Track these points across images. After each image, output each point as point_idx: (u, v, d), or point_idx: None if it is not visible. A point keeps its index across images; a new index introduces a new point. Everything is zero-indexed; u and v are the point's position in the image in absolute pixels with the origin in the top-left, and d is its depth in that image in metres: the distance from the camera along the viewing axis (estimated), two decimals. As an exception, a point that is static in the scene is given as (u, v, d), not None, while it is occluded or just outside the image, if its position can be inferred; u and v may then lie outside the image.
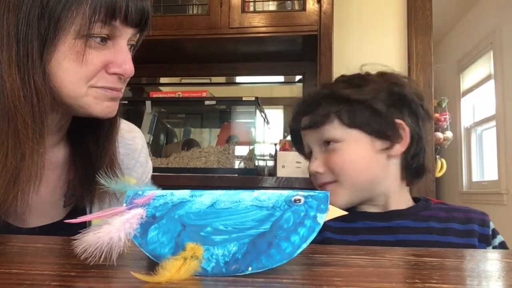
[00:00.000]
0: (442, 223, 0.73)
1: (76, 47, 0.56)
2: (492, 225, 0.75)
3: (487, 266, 0.45)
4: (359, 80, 0.77)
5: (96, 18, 0.55)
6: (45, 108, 0.57)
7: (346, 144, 0.74)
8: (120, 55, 0.60)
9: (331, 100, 0.75)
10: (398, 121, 0.74)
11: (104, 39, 0.58)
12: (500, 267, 0.44)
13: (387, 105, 0.73)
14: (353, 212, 0.77)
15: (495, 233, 0.74)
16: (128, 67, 0.60)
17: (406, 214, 0.74)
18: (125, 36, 0.60)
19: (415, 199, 0.79)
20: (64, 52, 0.56)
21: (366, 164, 0.73)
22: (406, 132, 0.74)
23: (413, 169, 0.77)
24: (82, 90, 0.59)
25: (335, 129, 0.74)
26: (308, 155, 0.82)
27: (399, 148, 0.74)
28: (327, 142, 0.75)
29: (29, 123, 0.55)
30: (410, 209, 0.76)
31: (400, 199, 0.76)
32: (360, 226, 0.73)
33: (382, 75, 0.78)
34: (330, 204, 0.73)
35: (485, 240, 0.72)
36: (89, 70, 0.58)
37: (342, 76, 0.80)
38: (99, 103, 0.61)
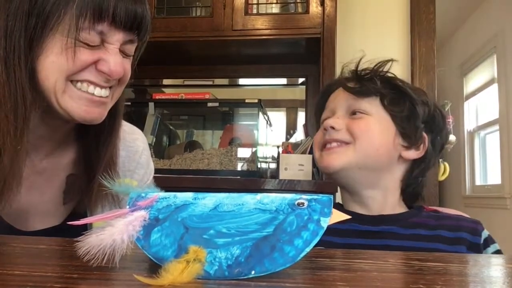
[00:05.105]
0: (431, 230, 0.73)
1: (67, 45, 0.56)
2: (485, 234, 0.74)
3: (491, 271, 0.44)
4: (412, 86, 0.81)
5: (83, 19, 0.55)
6: (27, 106, 0.57)
7: (374, 119, 0.75)
8: (109, 55, 0.59)
9: (387, 81, 0.77)
10: (425, 134, 0.77)
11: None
12: (504, 273, 0.44)
13: (424, 118, 0.77)
14: (343, 211, 0.77)
15: (488, 242, 0.73)
16: (115, 69, 0.59)
17: (395, 220, 0.74)
18: (117, 39, 0.60)
19: (409, 207, 0.80)
20: (54, 49, 0.56)
21: (383, 144, 0.75)
22: (424, 147, 0.77)
23: (410, 191, 0.79)
24: (62, 85, 0.58)
25: (374, 105, 0.76)
26: (322, 121, 0.83)
27: (412, 154, 0.76)
28: (354, 112, 0.77)
29: (11, 120, 0.56)
30: (399, 215, 0.76)
31: (395, 205, 0.78)
32: (347, 228, 0.73)
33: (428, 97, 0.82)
34: (329, 161, 0.74)
35: (475, 248, 0.72)
36: (76, 66, 0.58)
37: None
38: (76, 106, 0.60)
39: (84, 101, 0.60)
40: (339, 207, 0.81)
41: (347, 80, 0.80)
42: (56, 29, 0.56)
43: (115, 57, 0.60)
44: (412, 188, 0.79)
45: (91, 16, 0.56)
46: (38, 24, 0.55)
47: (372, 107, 0.76)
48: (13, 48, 0.55)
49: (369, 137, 0.74)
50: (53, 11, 0.55)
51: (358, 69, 0.79)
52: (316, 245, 0.37)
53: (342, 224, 0.72)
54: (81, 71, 0.59)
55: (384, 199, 0.77)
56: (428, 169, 0.80)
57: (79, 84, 0.60)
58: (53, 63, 0.57)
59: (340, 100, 0.79)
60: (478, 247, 0.72)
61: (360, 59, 0.80)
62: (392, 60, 0.80)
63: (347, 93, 0.78)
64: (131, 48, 0.63)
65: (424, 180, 0.80)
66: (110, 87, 0.63)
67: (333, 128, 0.76)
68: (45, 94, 0.59)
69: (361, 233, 0.73)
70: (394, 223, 0.74)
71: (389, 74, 0.79)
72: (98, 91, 0.61)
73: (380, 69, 0.79)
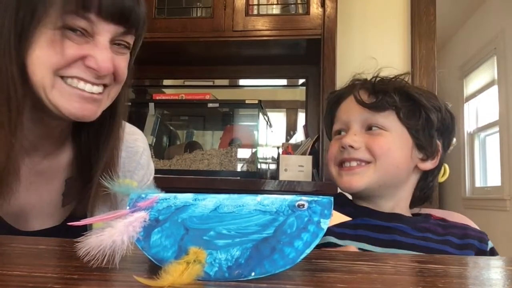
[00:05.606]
0: (440, 236, 0.74)
1: (54, 38, 0.56)
2: (490, 244, 0.75)
3: (491, 274, 0.44)
4: (425, 91, 0.80)
5: (68, 9, 0.55)
6: (20, 99, 0.57)
7: (391, 134, 0.75)
8: (97, 50, 0.59)
9: (401, 94, 0.76)
10: (438, 142, 0.78)
11: (83, 32, 0.58)
12: (504, 275, 0.44)
13: (438, 125, 0.77)
14: (356, 207, 0.78)
15: (493, 253, 0.74)
16: (103, 65, 0.59)
17: (406, 221, 0.75)
18: (106, 33, 0.59)
19: (417, 215, 0.82)
20: (41, 43, 0.56)
21: (403, 160, 0.75)
22: (438, 155, 0.78)
23: (421, 196, 0.81)
24: (51, 80, 0.58)
25: (390, 119, 0.75)
26: (334, 133, 0.82)
27: (429, 165, 0.77)
28: (370, 127, 0.76)
29: (5, 112, 0.56)
30: (410, 218, 0.78)
31: (404, 209, 0.79)
32: (359, 223, 0.74)
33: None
34: (352, 182, 0.75)
35: (482, 255, 0.72)
36: (64, 60, 0.58)
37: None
38: (66, 102, 0.59)
39: (75, 97, 0.59)
40: (348, 201, 0.82)
41: (359, 91, 0.78)
42: (43, 22, 0.56)
43: (102, 52, 0.59)
44: (423, 193, 0.80)
45: (75, 5, 0.56)
46: (26, 18, 0.56)
47: (389, 121, 0.75)
48: (3, 44, 0.56)
49: (389, 155, 0.74)
50: (39, 3, 0.56)
51: (370, 78, 0.79)
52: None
53: (355, 218, 0.74)
54: (69, 67, 0.58)
55: (396, 205, 0.78)
56: (439, 173, 0.80)
57: (69, 80, 0.59)
58: (39, 58, 0.57)
59: (354, 113, 0.78)
60: (485, 254, 0.73)
61: (378, 73, 0.80)
62: (408, 73, 0.80)
63: (360, 106, 0.77)
64: (124, 43, 0.63)
65: (433, 186, 0.81)
66: (104, 85, 0.62)
67: (351, 147, 0.75)
68: (35, 90, 0.59)
69: (372, 227, 0.73)
70: (405, 223, 0.74)
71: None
72: (89, 87, 0.60)
73: (397, 83, 0.78)
